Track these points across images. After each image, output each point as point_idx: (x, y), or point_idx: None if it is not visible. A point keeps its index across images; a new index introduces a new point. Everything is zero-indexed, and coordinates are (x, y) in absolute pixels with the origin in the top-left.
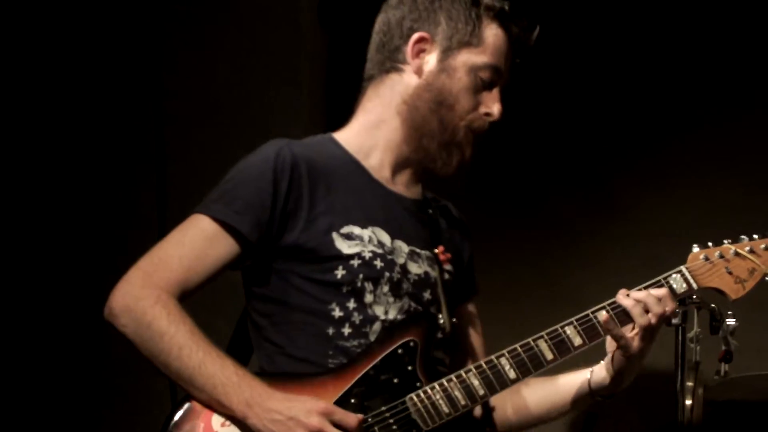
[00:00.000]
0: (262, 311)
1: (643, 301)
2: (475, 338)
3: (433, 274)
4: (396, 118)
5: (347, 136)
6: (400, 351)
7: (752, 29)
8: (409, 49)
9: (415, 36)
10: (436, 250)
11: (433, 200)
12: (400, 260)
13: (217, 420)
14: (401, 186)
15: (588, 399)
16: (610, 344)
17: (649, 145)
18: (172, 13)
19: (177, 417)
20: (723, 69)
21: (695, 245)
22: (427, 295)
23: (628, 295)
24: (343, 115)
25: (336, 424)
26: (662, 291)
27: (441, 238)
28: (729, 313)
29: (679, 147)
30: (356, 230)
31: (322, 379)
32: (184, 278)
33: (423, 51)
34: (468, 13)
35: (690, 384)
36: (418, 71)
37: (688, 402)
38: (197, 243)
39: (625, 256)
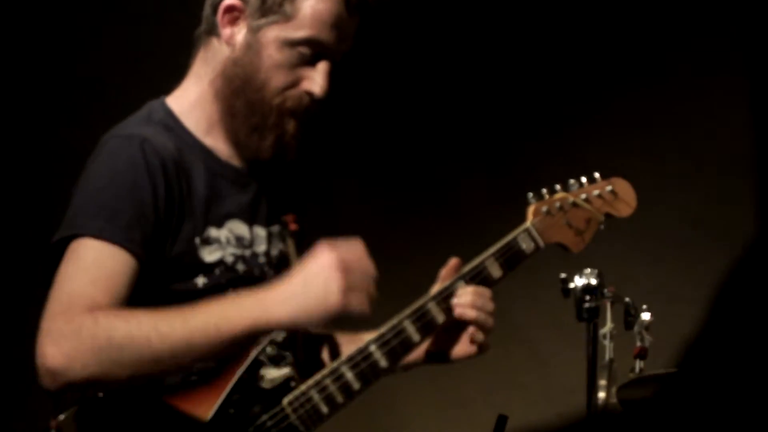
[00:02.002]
0: None
1: (477, 305)
2: None
3: (286, 249)
4: (212, 90)
5: (184, 108)
6: (269, 349)
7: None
8: (219, 16)
9: (224, 4)
10: (286, 218)
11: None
12: (262, 248)
13: None
14: (243, 160)
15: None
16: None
17: (558, 130)
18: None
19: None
20: (625, 47)
21: (532, 196)
22: (284, 273)
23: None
24: None
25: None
26: (478, 288)
27: (286, 200)
28: (644, 307)
29: (590, 132)
30: (213, 232)
31: (194, 390)
32: (108, 300)
33: (237, 19)
34: None
35: (603, 382)
36: (229, 41)
37: (601, 401)
38: (100, 264)
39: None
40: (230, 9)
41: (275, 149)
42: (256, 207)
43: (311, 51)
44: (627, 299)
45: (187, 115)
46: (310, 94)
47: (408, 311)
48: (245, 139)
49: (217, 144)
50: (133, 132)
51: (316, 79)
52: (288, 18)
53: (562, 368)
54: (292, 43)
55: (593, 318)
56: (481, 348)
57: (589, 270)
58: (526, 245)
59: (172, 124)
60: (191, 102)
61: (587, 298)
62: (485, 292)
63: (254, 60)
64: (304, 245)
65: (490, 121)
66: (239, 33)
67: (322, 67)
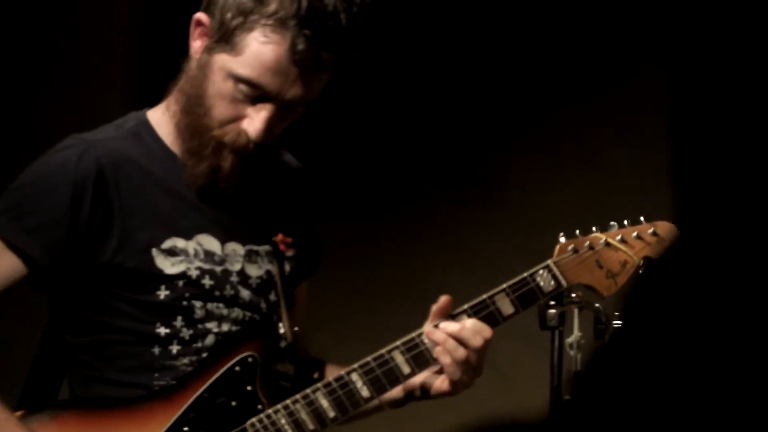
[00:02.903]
0: (74, 331)
1: (456, 335)
2: (298, 322)
3: (275, 271)
4: (173, 100)
5: (163, 119)
6: (237, 369)
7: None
8: (191, 27)
9: (195, 17)
10: (276, 239)
11: (267, 168)
12: (236, 266)
13: None
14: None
15: (379, 409)
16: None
17: (523, 125)
18: None
19: None
20: (596, 49)
21: (562, 235)
22: (272, 296)
23: (436, 326)
24: (159, 86)
25: None
26: (475, 323)
27: (279, 219)
28: (616, 314)
29: (559, 127)
30: (180, 243)
31: (150, 405)
32: None
33: (203, 35)
34: (239, 8)
35: (568, 398)
36: (194, 55)
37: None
38: None
39: (498, 249)
40: (198, 23)
41: (209, 179)
42: (233, 223)
43: (253, 92)
44: (597, 305)
45: (163, 126)
46: (246, 134)
47: (399, 342)
48: (182, 160)
49: None
50: (86, 136)
51: (254, 122)
52: (235, 52)
53: (525, 382)
54: (235, 78)
55: (558, 326)
56: (454, 385)
57: None
58: (544, 283)
59: (143, 133)
60: (171, 112)
61: (552, 303)
62: (480, 328)
63: (203, 82)
64: (305, 266)
65: (454, 126)
66: (201, 49)
67: (263, 111)
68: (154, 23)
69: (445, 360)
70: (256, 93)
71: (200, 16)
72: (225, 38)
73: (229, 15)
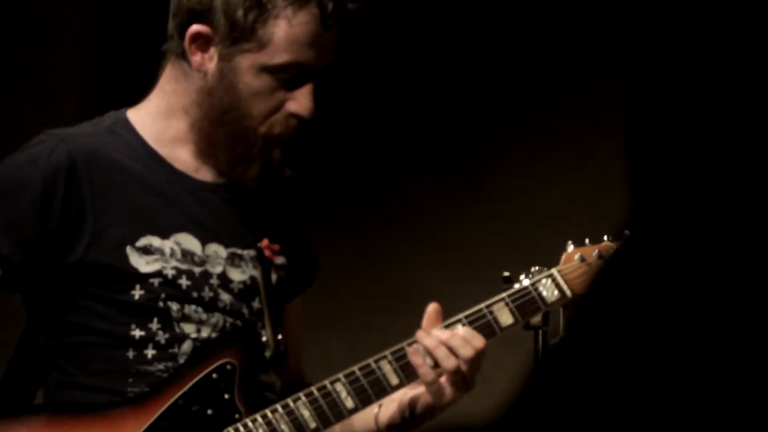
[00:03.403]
0: (47, 333)
1: (446, 343)
2: (290, 342)
3: (260, 277)
4: (186, 117)
5: (144, 119)
6: (214, 376)
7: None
8: (186, 44)
9: (191, 32)
10: (261, 244)
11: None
12: (217, 269)
13: None
14: (214, 173)
15: None
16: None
17: (509, 117)
18: None
19: None
20: (579, 43)
21: (570, 243)
22: (256, 303)
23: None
24: (115, 80)
25: None
26: (468, 331)
27: (267, 225)
28: None
29: (549, 119)
30: (155, 242)
31: (122, 411)
32: None
33: (207, 45)
34: (250, 2)
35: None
36: (200, 68)
37: None
38: None
39: (484, 246)
40: (198, 36)
41: (260, 177)
42: (216, 224)
43: (291, 74)
44: None
45: (145, 125)
46: (296, 116)
47: (388, 351)
48: (229, 170)
49: (177, 155)
50: (59, 132)
51: (301, 101)
52: (262, 45)
53: (507, 384)
54: (271, 69)
55: (542, 326)
56: (432, 394)
57: (537, 268)
58: (548, 293)
59: (121, 130)
60: (152, 114)
61: None
62: (472, 337)
63: (230, 90)
64: (297, 278)
65: (436, 118)
66: (210, 60)
67: (305, 86)
68: (106, 25)
69: (417, 360)
70: (292, 73)
71: (198, 28)
72: (244, 37)
73: (240, 14)
